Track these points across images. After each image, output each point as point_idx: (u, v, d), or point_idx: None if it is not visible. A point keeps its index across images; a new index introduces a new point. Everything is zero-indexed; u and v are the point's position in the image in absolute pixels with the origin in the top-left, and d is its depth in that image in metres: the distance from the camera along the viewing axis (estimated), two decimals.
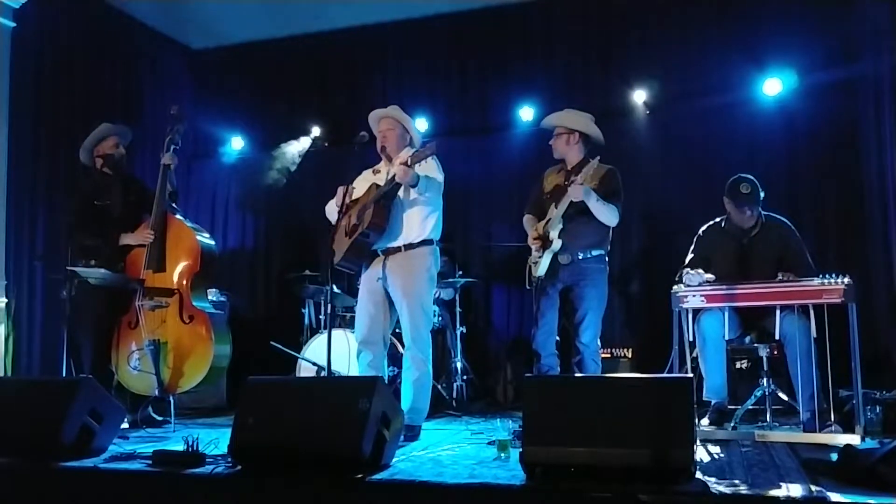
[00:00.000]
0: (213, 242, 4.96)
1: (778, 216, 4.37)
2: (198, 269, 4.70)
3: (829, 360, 3.69)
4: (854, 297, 3.60)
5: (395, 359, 4.79)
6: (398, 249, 4.05)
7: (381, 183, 4.08)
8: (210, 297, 5.06)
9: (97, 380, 3.70)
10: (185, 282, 4.64)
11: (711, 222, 4.45)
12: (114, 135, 4.86)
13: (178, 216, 4.82)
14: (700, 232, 4.46)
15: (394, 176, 3.94)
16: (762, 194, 4.23)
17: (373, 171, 4.26)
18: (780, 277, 3.94)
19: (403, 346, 4.14)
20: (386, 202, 3.99)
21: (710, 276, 4.02)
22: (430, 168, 4.05)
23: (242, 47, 7.12)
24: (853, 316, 3.59)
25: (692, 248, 4.42)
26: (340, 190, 4.09)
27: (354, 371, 4.23)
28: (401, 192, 4.03)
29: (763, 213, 4.29)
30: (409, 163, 3.85)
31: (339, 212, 4.02)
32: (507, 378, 6.10)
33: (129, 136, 5.00)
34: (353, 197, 4.13)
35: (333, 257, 4.04)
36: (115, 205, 4.77)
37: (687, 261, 4.33)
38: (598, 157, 4.28)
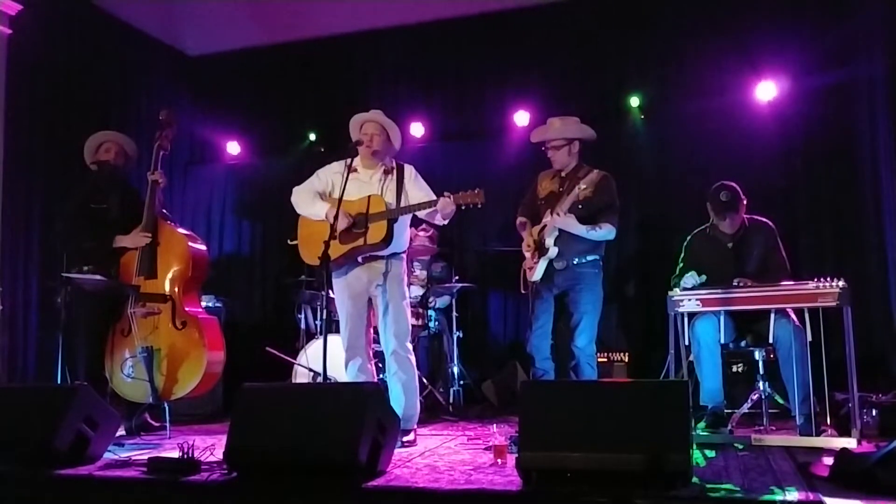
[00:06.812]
0: (203, 247, 4.93)
1: (761, 217, 4.38)
2: (189, 275, 4.68)
3: (825, 364, 3.69)
4: (849, 301, 3.60)
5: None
6: (382, 258, 4.09)
7: (375, 189, 4.08)
8: (203, 304, 5.03)
9: (92, 386, 3.68)
10: (177, 288, 4.62)
11: (697, 230, 4.45)
12: (111, 142, 4.84)
13: (168, 223, 4.79)
14: (687, 240, 4.46)
15: (434, 201, 3.99)
16: (744, 201, 4.24)
17: (347, 168, 4.01)
18: (736, 283, 3.97)
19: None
20: (395, 222, 4.02)
21: (702, 278, 4.05)
22: (425, 188, 4.15)
23: (238, 54, 7.12)
24: (848, 319, 3.59)
25: (681, 256, 4.42)
26: (330, 208, 4.04)
27: (344, 378, 4.22)
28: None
29: (746, 216, 4.30)
30: (459, 203, 3.95)
31: (334, 216, 3.98)
32: (504, 383, 6.09)
33: (133, 148, 4.95)
34: (339, 195, 4.05)
35: (329, 262, 4.01)
36: (111, 207, 4.74)
37: (677, 270, 4.33)
38: (602, 172, 4.33)
